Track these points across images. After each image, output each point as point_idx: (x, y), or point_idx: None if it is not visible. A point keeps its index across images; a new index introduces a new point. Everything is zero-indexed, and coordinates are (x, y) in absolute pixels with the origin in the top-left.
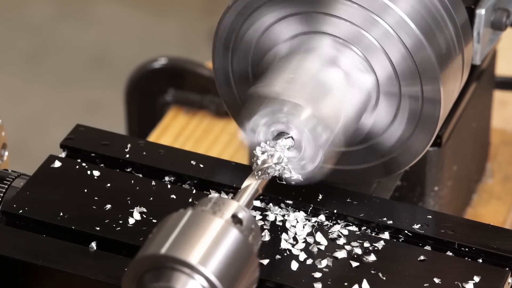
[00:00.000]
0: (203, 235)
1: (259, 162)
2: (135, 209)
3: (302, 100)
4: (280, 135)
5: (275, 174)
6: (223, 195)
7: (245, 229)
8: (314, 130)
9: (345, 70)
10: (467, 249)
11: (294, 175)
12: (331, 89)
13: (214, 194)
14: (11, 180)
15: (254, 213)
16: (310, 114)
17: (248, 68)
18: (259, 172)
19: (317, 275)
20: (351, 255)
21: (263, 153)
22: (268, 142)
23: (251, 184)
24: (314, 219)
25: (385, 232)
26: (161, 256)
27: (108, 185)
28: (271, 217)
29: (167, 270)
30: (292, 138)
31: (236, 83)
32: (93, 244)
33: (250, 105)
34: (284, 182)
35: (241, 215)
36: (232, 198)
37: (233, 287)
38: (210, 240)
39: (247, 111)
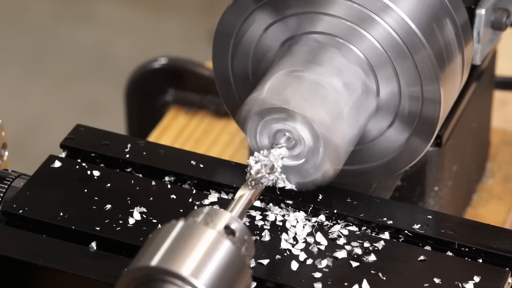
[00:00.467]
0: (195, 246)
1: (252, 172)
2: (135, 209)
3: (302, 105)
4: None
5: (269, 184)
6: (223, 195)
7: (238, 240)
8: (315, 136)
9: (345, 70)
10: (467, 249)
11: (288, 185)
12: (331, 91)
13: (213, 194)
14: (11, 180)
15: (254, 213)
16: (309, 120)
17: (248, 68)
18: (253, 182)
19: (317, 275)
20: (351, 255)
21: (256, 162)
22: (262, 152)
23: (244, 195)
24: (314, 219)
25: (385, 232)
26: (152, 268)
27: (108, 185)
28: (271, 217)
29: (159, 282)
30: (290, 139)
31: (236, 83)
32: (93, 244)
33: (248, 109)
34: (278, 192)
35: (234, 226)
36: (232, 197)
37: None
38: (202, 252)
39: (245, 115)
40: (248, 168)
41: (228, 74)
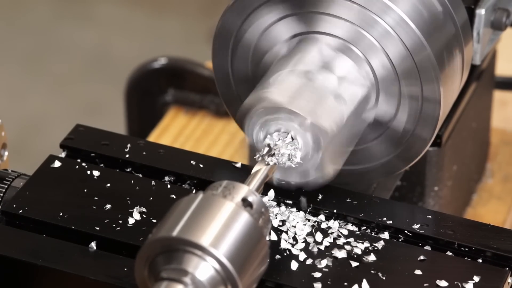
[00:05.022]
0: (214, 218)
1: (267, 147)
2: (135, 209)
3: (301, 106)
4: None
5: (283, 160)
6: None
7: (255, 212)
8: (313, 136)
9: (345, 70)
10: (467, 249)
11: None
12: (330, 91)
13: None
14: (11, 180)
15: None
16: (308, 120)
17: (248, 68)
18: (268, 158)
19: (317, 275)
20: (351, 255)
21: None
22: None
23: (261, 169)
24: (314, 219)
25: (385, 232)
26: (173, 239)
27: (108, 185)
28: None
29: (179, 252)
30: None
31: (236, 83)
32: (93, 244)
33: (248, 110)
34: (284, 182)
35: (251, 198)
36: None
37: (243, 269)
38: (221, 223)
39: (245, 117)
40: (263, 144)
41: (228, 74)
